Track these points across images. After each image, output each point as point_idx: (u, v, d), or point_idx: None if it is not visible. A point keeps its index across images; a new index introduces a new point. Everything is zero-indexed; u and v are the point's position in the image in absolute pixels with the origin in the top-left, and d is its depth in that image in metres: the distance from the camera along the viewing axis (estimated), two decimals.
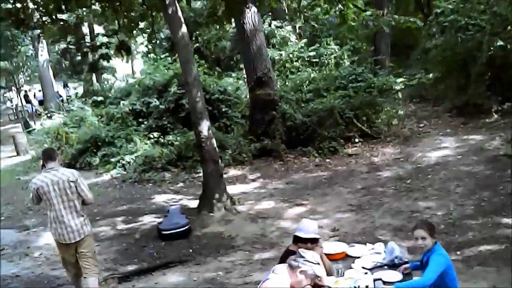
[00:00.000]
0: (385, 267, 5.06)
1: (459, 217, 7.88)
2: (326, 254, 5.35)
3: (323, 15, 15.64)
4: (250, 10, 12.30)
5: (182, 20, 9.00)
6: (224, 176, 11.67)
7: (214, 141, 9.42)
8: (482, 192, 8.74)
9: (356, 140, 12.61)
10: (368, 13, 9.85)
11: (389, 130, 13.05)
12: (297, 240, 4.93)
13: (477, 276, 6.23)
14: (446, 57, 14.70)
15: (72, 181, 5.82)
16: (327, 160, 11.99)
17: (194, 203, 10.06)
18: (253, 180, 11.54)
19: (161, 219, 9.35)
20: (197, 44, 19.10)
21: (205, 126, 9.22)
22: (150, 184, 12.24)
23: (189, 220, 8.94)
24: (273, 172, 11.87)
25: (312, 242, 4.87)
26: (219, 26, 12.48)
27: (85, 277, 6.12)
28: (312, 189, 10.25)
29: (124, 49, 9.93)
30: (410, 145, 12.26)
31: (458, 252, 6.86)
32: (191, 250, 8.30)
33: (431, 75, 16.08)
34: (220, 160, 9.65)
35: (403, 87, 14.25)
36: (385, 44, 18.92)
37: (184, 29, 8.98)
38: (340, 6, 9.72)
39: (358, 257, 5.27)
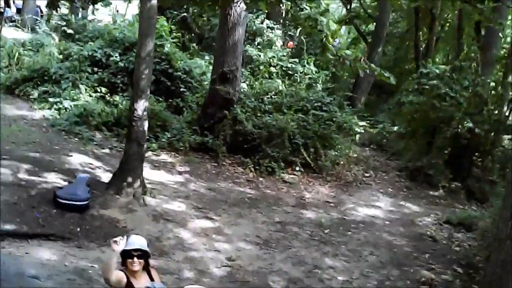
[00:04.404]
0: None
1: None
2: None
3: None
4: (238, 4, 11.72)
5: None
6: (154, 158, 11.23)
7: (146, 124, 8.83)
8: (392, 269, 8.38)
9: (297, 168, 12.16)
10: (348, 52, 9.38)
11: (333, 168, 12.64)
12: (125, 256, 4.67)
13: None
14: (416, 118, 14.43)
15: None
16: (260, 179, 11.53)
17: (107, 176, 9.48)
18: (179, 173, 11.01)
19: (65, 183, 8.80)
20: (185, 14, 18.35)
21: (142, 106, 8.62)
22: (77, 139, 11.57)
23: (90, 196, 8.34)
24: (203, 172, 11.35)
25: (139, 257, 4.60)
26: (201, 9, 11.77)
27: None
28: (231, 206, 9.76)
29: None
30: (347, 192, 11.91)
31: None
32: (78, 229, 7.73)
33: (395, 128, 15.81)
34: (145, 145, 9.06)
35: (362, 131, 13.88)
36: (368, 82, 18.61)
37: (154, 2, 8.38)
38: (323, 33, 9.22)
39: None
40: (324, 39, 8.91)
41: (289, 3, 10.27)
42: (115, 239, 4.60)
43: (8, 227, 7.37)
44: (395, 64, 27.15)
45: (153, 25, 8.65)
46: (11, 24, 26.87)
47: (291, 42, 18.95)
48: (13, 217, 7.64)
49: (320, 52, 9.55)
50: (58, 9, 12.17)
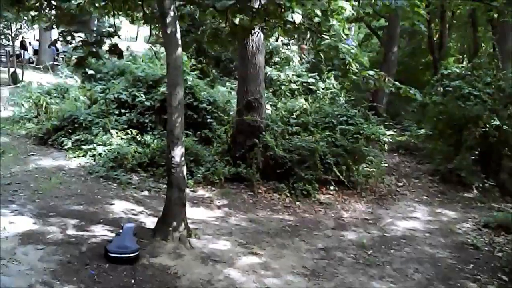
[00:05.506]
0: None
1: None
2: None
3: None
4: (256, 34, 11.97)
5: (180, 42, 8.69)
6: (192, 195, 11.49)
7: (184, 169, 9.10)
8: (439, 285, 8.47)
9: (331, 187, 12.34)
10: (371, 72, 9.56)
11: (366, 183, 12.78)
12: None
13: None
14: (442, 119, 14.50)
15: None
16: (297, 203, 11.72)
17: (151, 221, 9.79)
18: (218, 207, 11.25)
19: (113, 234, 9.08)
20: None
21: (179, 153, 8.90)
22: (115, 185, 11.90)
23: (139, 246, 8.62)
24: (240, 203, 11.60)
25: None
26: (221, 47, 12.05)
27: None
28: (273, 236, 9.94)
29: (116, 53, 9.56)
30: (383, 205, 12.05)
31: None
32: (133, 281, 7.98)
33: (422, 130, 15.88)
34: (185, 189, 9.34)
35: (391, 140, 14.01)
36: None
37: (179, 51, 8.68)
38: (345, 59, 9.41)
39: None
40: (348, 65, 9.06)
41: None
42: None
43: None
44: (411, 58, 27.25)
45: (180, 74, 8.90)
46: (30, 65, 27.65)
47: (304, 46, 19.12)
48: (70, 276, 7.92)
49: (343, 74, 9.71)
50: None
